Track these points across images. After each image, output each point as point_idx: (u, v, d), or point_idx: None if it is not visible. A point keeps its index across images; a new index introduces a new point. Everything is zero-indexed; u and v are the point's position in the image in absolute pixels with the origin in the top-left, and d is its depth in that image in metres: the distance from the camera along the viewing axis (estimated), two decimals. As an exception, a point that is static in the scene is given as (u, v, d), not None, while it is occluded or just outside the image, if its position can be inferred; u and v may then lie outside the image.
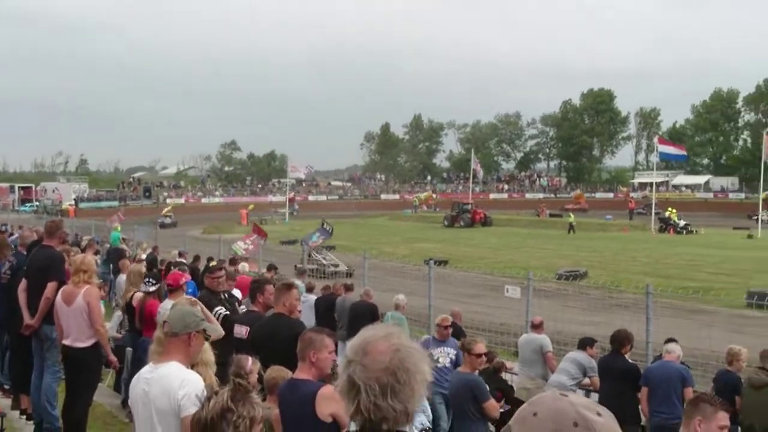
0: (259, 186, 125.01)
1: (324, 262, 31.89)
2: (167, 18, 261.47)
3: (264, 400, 6.54)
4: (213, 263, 11.95)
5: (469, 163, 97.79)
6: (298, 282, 16.98)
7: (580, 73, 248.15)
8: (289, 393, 5.87)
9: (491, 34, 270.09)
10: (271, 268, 22.06)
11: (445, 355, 12.09)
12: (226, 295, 10.94)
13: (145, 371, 5.43)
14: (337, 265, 32.61)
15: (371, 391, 2.80)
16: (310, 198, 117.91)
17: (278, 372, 6.82)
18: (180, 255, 25.06)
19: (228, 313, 9.93)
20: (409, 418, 2.87)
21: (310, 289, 19.16)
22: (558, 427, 2.09)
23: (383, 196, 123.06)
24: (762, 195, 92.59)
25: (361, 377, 2.82)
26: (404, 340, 2.93)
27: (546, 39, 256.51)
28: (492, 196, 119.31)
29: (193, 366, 5.51)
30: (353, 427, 2.91)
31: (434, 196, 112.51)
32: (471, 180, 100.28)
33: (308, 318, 15.72)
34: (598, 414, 2.13)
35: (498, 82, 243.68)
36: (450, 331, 12.61)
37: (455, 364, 11.51)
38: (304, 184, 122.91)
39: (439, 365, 11.68)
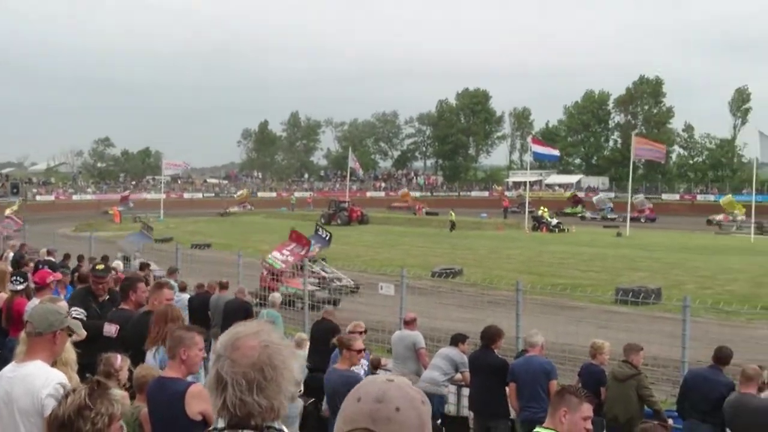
0: (133, 183, 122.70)
1: (324, 274, 26.91)
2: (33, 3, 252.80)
3: (133, 398, 6.47)
4: (100, 266, 11.64)
5: (346, 161, 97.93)
6: (170, 281, 16.79)
7: (455, 73, 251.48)
8: (158, 392, 5.80)
9: (368, 32, 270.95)
10: (144, 266, 21.68)
11: (359, 366, 10.84)
12: (107, 298, 10.62)
13: (7, 370, 5.30)
14: (340, 279, 27.14)
15: (238, 386, 2.79)
16: (186, 195, 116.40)
17: (148, 371, 6.74)
18: (49, 253, 24.46)
19: (83, 318, 9.61)
20: (276, 414, 2.88)
21: (183, 288, 18.94)
22: (418, 412, 2.22)
23: (260, 194, 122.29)
24: (597, 198, 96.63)
25: (228, 372, 2.82)
26: (274, 337, 2.94)
27: (422, 38, 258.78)
28: (369, 194, 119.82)
29: (52, 365, 5.39)
30: (220, 423, 2.89)
31: (244, 193, 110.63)
32: (348, 178, 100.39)
33: (182, 317, 15.51)
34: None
35: (375, 80, 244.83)
36: (363, 337, 11.95)
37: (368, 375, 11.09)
38: (179, 182, 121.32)
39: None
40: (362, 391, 2.29)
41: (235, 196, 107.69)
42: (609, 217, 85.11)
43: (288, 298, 19.87)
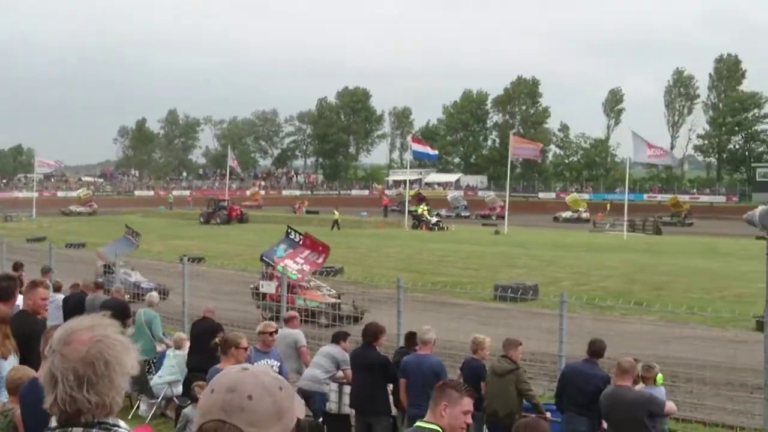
0: (4, 182, 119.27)
1: (305, 285, 23.80)
2: None
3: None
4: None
5: (225, 160, 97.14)
6: (45, 280, 16.33)
7: (335, 71, 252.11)
8: (31, 393, 5.61)
9: (249, 30, 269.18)
10: (18, 266, 21.06)
11: (269, 368, 10.22)
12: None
13: None
14: (319, 288, 24.77)
15: (67, 382, 2.69)
16: (60, 194, 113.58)
17: (23, 371, 6.54)
18: None
19: None
20: (108, 410, 2.77)
21: (57, 288, 18.45)
22: (273, 398, 2.24)
23: (137, 193, 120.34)
24: (451, 196, 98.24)
25: (59, 368, 2.71)
26: (110, 331, 2.82)
27: (303, 36, 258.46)
28: (249, 192, 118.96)
29: None
30: (53, 422, 2.79)
31: (90, 193, 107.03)
32: (228, 176, 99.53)
33: (56, 317, 15.11)
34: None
35: (255, 78, 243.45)
36: (275, 337, 11.77)
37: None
38: (52, 180, 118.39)
39: None
40: (216, 382, 2.32)
41: (79, 195, 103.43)
42: (463, 215, 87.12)
43: (302, 315, 17.21)
